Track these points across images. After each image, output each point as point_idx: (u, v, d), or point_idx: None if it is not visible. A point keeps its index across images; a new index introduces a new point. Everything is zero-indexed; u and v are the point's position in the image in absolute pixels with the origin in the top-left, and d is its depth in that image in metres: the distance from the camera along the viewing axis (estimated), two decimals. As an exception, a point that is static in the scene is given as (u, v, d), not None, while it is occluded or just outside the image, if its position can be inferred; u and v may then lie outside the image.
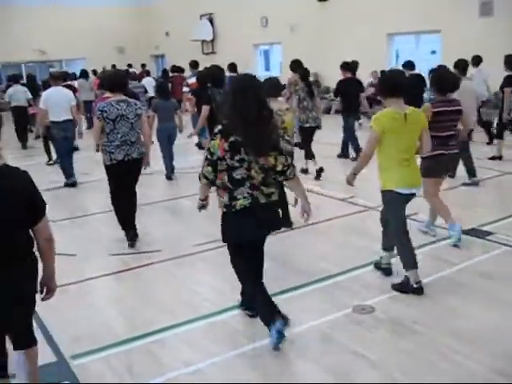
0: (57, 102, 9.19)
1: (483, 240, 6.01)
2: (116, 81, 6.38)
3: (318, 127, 9.39)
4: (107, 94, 7.75)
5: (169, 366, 3.92)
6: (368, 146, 4.81)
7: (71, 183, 9.60)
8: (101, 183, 7.84)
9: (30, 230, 3.06)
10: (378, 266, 5.31)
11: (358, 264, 5.51)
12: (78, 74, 17.59)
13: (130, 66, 21.58)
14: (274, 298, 4.52)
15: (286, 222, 6.79)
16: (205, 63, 13.45)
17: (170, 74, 17.57)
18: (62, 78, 10.06)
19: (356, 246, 6.05)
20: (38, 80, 17.07)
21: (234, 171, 3.89)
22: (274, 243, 6.23)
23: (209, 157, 3.93)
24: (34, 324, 4.45)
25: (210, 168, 3.95)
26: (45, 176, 9.89)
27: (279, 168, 4.00)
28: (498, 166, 9.41)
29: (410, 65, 11.72)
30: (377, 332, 4.25)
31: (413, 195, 4.91)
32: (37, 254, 3.14)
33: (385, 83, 4.95)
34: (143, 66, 23.14)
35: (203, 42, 24.62)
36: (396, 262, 5.10)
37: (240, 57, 20.69)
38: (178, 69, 17.32)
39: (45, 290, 3.28)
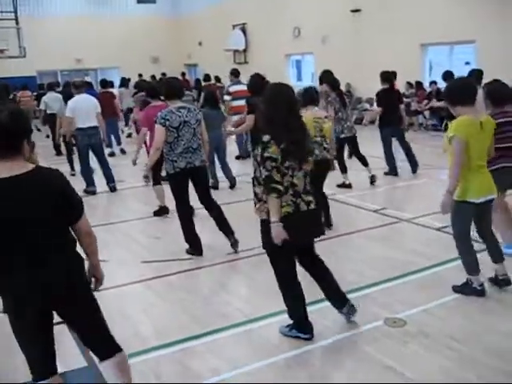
0: (84, 110, 9.39)
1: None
2: (173, 88, 6.25)
3: (354, 137, 9.31)
4: (154, 103, 7.85)
5: (197, 374, 3.91)
6: (457, 156, 4.59)
7: (91, 191, 9.65)
8: (135, 191, 7.93)
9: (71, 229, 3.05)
10: (460, 289, 5.01)
11: (389, 276, 5.44)
12: (114, 82, 17.86)
13: (163, 74, 21.86)
14: (304, 309, 4.50)
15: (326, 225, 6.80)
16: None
17: (203, 83, 17.76)
18: (84, 86, 10.26)
19: (388, 257, 5.98)
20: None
21: (283, 178, 3.98)
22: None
23: (273, 164, 3.91)
24: (65, 327, 4.52)
25: (279, 175, 3.94)
26: (79, 182, 10.00)
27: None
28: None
29: (450, 75, 11.52)
30: (409, 346, 4.18)
31: (490, 201, 4.87)
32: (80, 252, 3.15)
33: (456, 91, 4.82)
34: (183, 74, 23.38)
35: (235, 51, 24.77)
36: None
37: (272, 67, 20.78)
38: (209, 78, 17.55)
39: (93, 280, 3.28)
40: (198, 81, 19.79)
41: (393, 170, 10.02)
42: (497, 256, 4.98)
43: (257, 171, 4.07)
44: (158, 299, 5.28)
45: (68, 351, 4.22)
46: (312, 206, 4.15)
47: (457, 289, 4.93)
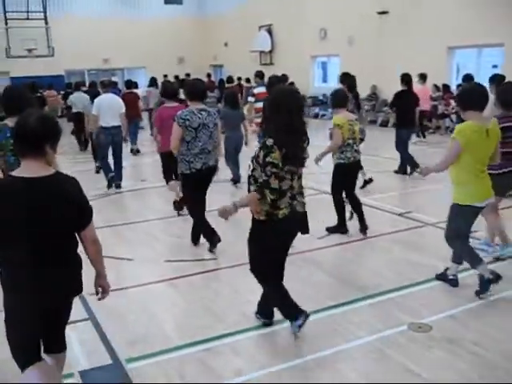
0: (109, 108, 9.54)
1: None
2: (196, 89, 6.30)
3: (362, 140, 9.30)
4: (168, 104, 7.91)
5: (219, 374, 3.92)
6: (449, 156, 4.81)
7: (111, 177, 9.95)
8: (157, 190, 7.98)
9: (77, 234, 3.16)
10: (441, 277, 5.28)
11: (414, 281, 5.39)
12: (139, 82, 17.98)
13: (188, 75, 21.97)
14: (328, 312, 4.48)
15: (342, 228, 6.82)
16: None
17: (226, 85, 17.78)
18: (111, 85, 10.43)
19: (413, 262, 5.93)
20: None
21: (283, 182, 4.03)
22: (328, 255, 6.22)
23: (275, 170, 3.95)
24: (90, 325, 4.59)
25: (276, 181, 3.99)
26: (102, 180, 10.11)
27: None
28: None
29: (469, 78, 11.59)
30: (433, 351, 4.14)
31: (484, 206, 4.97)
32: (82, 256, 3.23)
33: (465, 96, 4.92)
34: (209, 75, 23.45)
35: (261, 52, 24.81)
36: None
37: (298, 68, 20.77)
38: (232, 79, 17.59)
39: (100, 290, 3.38)
40: (221, 81, 19.83)
41: (411, 165, 10.05)
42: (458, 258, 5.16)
43: (255, 171, 4.02)
44: (181, 299, 5.30)
45: (92, 349, 4.27)
46: (305, 208, 4.26)
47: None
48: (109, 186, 9.91)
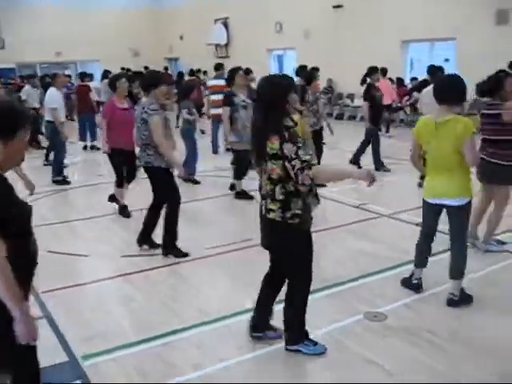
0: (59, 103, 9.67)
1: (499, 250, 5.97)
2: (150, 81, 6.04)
3: (321, 128, 9.42)
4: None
5: (179, 369, 3.90)
6: (411, 150, 4.91)
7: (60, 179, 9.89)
8: (112, 185, 7.87)
9: None
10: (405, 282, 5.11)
11: (371, 271, 5.48)
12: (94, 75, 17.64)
13: (146, 68, 21.70)
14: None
15: None
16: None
17: (187, 78, 17.56)
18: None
19: (369, 252, 6.02)
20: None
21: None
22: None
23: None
24: (45, 322, 4.50)
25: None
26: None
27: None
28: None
29: (437, 69, 11.74)
30: (389, 340, 4.22)
31: (445, 207, 4.63)
32: None
33: (436, 88, 4.66)
34: (166, 68, 23.17)
35: (217, 45, 24.70)
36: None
37: (254, 61, 20.73)
38: (193, 73, 17.43)
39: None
40: (180, 74, 19.61)
41: (378, 164, 10.14)
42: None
43: (277, 169, 3.63)
44: (139, 294, 5.25)
45: (48, 346, 4.19)
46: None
47: (402, 282, 5.09)
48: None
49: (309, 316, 4.16)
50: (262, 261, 4.13)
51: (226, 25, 24.29)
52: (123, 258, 6.11)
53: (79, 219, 7.71)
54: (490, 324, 4.40)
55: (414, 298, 4.87)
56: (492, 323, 4.41)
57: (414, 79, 15.73)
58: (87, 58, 26.69)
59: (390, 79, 16.20)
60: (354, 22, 17.70)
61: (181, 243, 6.15)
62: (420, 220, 5.01)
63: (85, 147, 13.63)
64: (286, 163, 3.54)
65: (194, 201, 8.24)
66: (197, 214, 7.68)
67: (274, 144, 3.58)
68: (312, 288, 5.05)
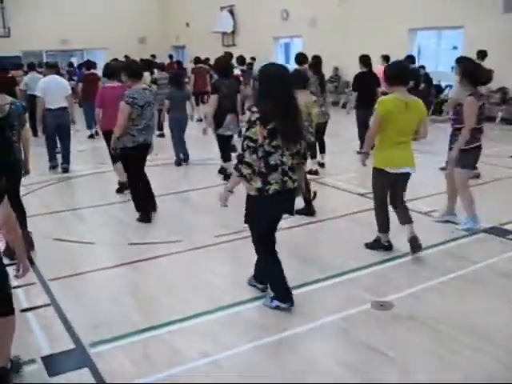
0: (53, 90, 9.42)
1: (502, 239, 5.95)
2: (138, 70, 6.84)
3: (326, 123, 9.30)
4: (109, 84, 7.84)
5: (185, 356, 3.91)
6: (372, 127, 5.39)
7: (53, 166, 9.95)
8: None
9: None
10: (371, 245, 5.74)
11: (377, 260, 5.47)
12: (99, 64, 17.51)
13: (153, 56, 21.61)
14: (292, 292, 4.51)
15: (309, 210, 6.83)
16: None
17: (193, 66, 17.44)
18: (55, 66, 10.25)
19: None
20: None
21: (270, 157, 4.09)
22: (292, 236, 6.25)
23: (252, 144, 4.05)
24: (52, 310, 4.53)
25: (254, 156, 4.06)
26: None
27: (302, 151, 4.34)
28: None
29: (410, 59, 13.19)
30: (395, 328, 4.22)
31: (404, 175, 5.38)
32: None
33: (391, 72, 5.30)
34: (171, 56, 23.04)
35: (224, 33, 24.58)
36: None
37: (260, 49, 20.66)
38: (199, 60, 17.24)
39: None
40: (178, 63, 19.41)
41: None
42: (406, 219, 5.55)
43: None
44: (145, 281, 5.26)
45: (55, 334, 4.22)
46: (297, 183, 4.34)
47: (369, 245, 5.71)
48: (50, 168, 9.89)
49: (315, 305, 4.18)
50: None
51: (232, 12, 24.15)
52: (130, 246, 6.12)
53: (85, 207, 7.72)
54: (498, 313, 4.39)
55: (421, 287, 4.86)
56: (500, 312, 4.41)
57: (421, 67, 15.60)
58: (93, 46, 26.63)
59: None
60: (362, 10, 17.56)
61: (189, 230, 6.17)
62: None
63: (91, 135, 13.55)
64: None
65: (195, 189, 8.25)
66: (204, 202, 7.68)
67: None
68: (318, 277, 5.10)
